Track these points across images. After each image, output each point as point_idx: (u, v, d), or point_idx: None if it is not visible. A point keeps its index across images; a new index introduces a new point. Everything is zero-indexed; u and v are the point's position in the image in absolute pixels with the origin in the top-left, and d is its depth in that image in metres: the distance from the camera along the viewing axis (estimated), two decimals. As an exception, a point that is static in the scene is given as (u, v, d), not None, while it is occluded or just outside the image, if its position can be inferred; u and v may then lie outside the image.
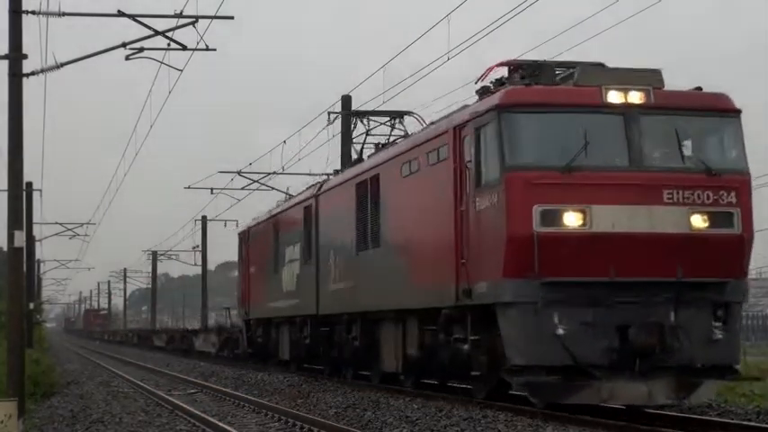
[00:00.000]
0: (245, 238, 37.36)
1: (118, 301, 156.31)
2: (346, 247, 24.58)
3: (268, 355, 35.49)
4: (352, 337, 25.11)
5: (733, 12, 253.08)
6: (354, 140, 28.20)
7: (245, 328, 38.16)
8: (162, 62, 21.81)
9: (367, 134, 27.55)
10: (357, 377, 26.37)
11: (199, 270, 76.34)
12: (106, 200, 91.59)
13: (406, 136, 24.65)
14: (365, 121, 27.77)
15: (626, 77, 17.22)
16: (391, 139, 26.25)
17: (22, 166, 19.98)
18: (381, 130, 27.49)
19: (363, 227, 23.28)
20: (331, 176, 28.56)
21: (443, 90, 51.02)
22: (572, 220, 16.53)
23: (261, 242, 34.68)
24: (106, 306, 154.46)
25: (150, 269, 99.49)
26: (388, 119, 27.30)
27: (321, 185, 27.48)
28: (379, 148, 25.30)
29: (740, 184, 16.96)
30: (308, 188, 29.68)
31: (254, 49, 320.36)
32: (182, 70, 22.84)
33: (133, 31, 24.96)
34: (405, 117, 26.94)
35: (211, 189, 49.25)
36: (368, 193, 22.91)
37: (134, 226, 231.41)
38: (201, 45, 21.24)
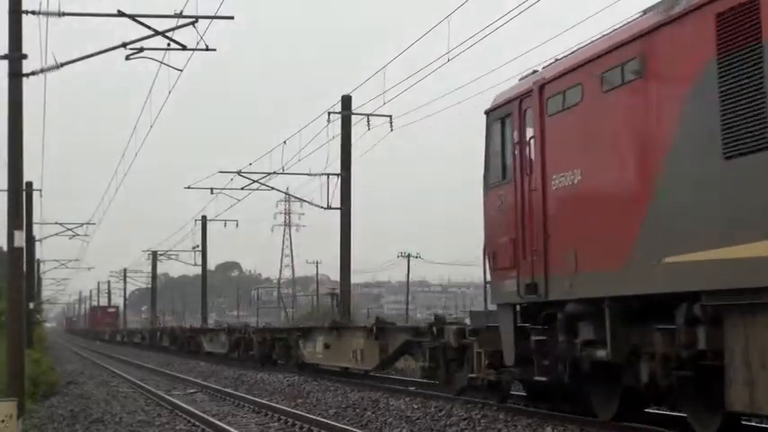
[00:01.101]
0: (521, 112, 16.43)
1: (117, 301, 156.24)
2: None
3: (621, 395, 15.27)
4: None
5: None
6: None
7: (513, 325, 16.84)
8: (162, 62, 21.84)
9: None
10: None
11: (199, 270, 76.44)
12: (106, 200, 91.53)
13: None
14: None
15: None
16: None
17: (22, 166, 20.01)
18: None
19: None
20: None
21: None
22: None
23: (611, 108, 13.71)
24: (110, 305, 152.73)
25: (150, 269, 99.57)
26: None
27: None
28: None
29: None
30: None
31: (254, 48, 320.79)
32: (182, 70, 22.89)
33: (133, 31, 25.00)
34: None
35: (211, 189, 49.28)
36: None
37: (134, 226, 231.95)
38: (201, 45, 21.29)
